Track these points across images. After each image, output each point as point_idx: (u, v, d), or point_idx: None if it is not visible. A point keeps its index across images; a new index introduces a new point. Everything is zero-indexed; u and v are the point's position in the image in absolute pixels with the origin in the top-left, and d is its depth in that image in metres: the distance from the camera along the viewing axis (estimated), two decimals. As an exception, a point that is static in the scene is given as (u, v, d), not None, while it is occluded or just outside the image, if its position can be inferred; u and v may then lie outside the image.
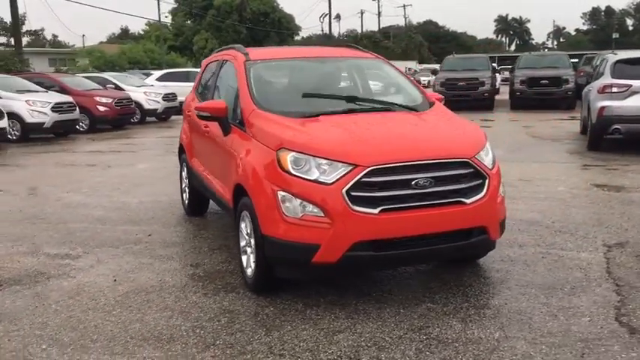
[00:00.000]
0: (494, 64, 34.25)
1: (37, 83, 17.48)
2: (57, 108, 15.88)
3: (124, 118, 18.69)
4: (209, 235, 6.12)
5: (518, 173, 9.12)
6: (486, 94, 23.10)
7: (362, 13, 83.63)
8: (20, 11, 27.60)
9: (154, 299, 4.43)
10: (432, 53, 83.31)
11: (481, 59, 26.18)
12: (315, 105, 4.86)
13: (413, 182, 3.98)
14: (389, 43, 75.98)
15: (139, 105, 19.76)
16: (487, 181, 4.24)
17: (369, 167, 3.92)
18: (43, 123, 15.63)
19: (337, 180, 3.91)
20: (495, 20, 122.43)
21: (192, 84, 23.33)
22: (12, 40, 32.33)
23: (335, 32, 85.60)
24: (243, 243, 4.62)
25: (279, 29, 49.58)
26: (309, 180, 3.96)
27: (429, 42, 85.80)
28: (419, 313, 4.07)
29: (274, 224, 4.08)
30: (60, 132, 16.70)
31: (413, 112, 4.94)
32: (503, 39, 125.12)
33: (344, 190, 3.89)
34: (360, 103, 5.05)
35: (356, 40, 70.21)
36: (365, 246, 3.95)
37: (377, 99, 5.31)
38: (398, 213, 3.96)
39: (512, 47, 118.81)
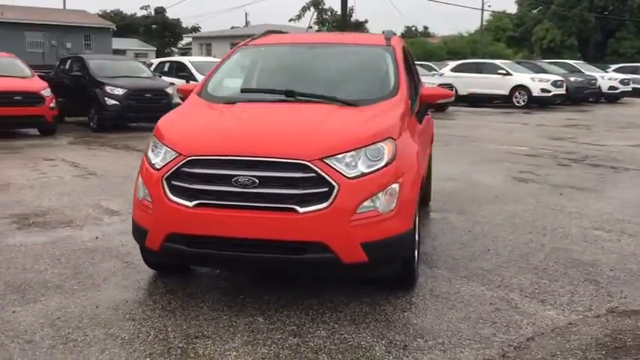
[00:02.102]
0: None
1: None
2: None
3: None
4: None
5: None
6: None
7: None
8: (350, 4, 30.15)
9: (81, 259, 4.89)
10: None
11: None
12: (245, 92, 4.68)
13: (233, 179, 3.63)
14: None
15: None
16: (335, 191, 3.57)
17: (188, 157, 3.74)
18: None
19: (163, 167, 3.83)
20: None
21: (485, 75, 23.22)
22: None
23: None
24: None
25: (638, 17, 43.48)
26: (150, 164, 3.96)
27: None
28: (224, 324, 3.70)
29: (133, 205, 4.19)
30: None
31: (344, 105, 4.33)
32: None
33: (164, 178, 3.78)
34: (294, 92, 4.64)
35: None
36: (179, 239, 3.78)
37: (320, 88, 4.77)
38: (213, 210, 3.67)
39: None
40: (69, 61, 15.90)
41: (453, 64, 25.52)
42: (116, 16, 78.17)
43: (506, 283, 4.45)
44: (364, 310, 3.93)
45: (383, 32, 5.59)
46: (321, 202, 3.57)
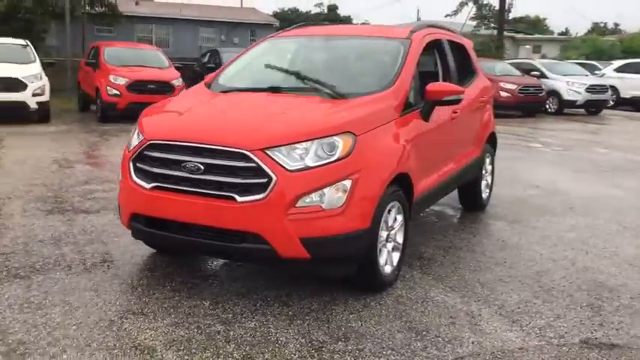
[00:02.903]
0: None
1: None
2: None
3: (527, 105, 18.11)
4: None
5: None
6: None
7: None
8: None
9: (102, 235, 5.26)
10: None
11: None
12: (246, 81, 4.78)
13: (182, 164, 3.73)
14: None
15: (557, 95, 18.84)
16: (273, 183, 3.51)
17: (149, 141, 3.90)
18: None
19: (132, 149, 4.03)
20: None
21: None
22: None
23: None
24: None
25: None
26: (128, 146, 4.18)
27: None
28: (170, 304, 3.82)
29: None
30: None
31: (328, 98, 4.23)
32: None
33: (131, 159, 3.99)
34: (286, 84, 4.61)
35: None
36: (140, 219, 3.97)
37: (319, 79, 4.62)
38: (166, 193, 3.81)
39: None
40: (208, 54, 17.02)
41: (617, 63, 23.24)
42: (292, 14, 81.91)
43: (491, 298, 4.07)
44: (313, 307, 3.83)
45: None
46: (259, 193, 3.54)
